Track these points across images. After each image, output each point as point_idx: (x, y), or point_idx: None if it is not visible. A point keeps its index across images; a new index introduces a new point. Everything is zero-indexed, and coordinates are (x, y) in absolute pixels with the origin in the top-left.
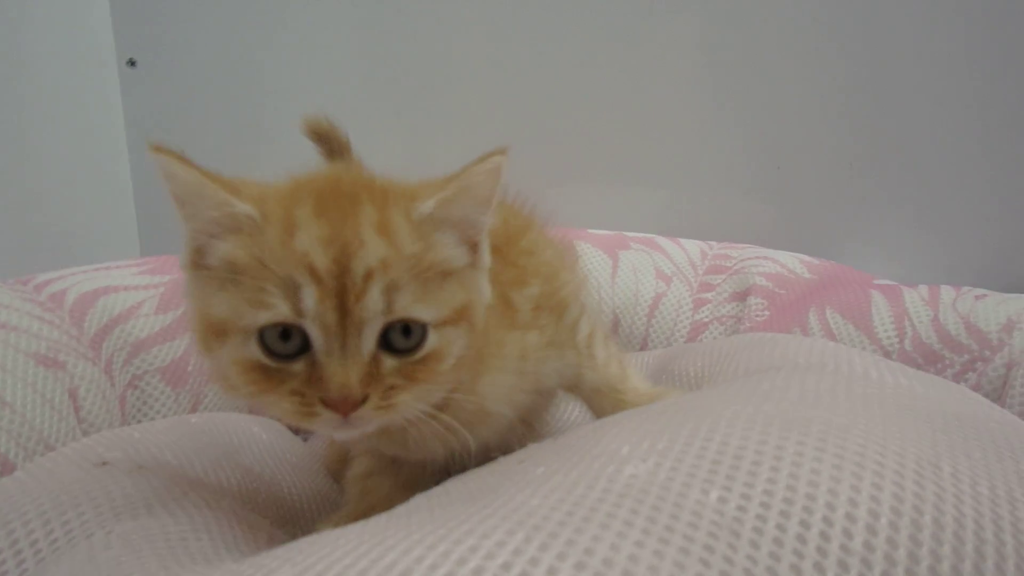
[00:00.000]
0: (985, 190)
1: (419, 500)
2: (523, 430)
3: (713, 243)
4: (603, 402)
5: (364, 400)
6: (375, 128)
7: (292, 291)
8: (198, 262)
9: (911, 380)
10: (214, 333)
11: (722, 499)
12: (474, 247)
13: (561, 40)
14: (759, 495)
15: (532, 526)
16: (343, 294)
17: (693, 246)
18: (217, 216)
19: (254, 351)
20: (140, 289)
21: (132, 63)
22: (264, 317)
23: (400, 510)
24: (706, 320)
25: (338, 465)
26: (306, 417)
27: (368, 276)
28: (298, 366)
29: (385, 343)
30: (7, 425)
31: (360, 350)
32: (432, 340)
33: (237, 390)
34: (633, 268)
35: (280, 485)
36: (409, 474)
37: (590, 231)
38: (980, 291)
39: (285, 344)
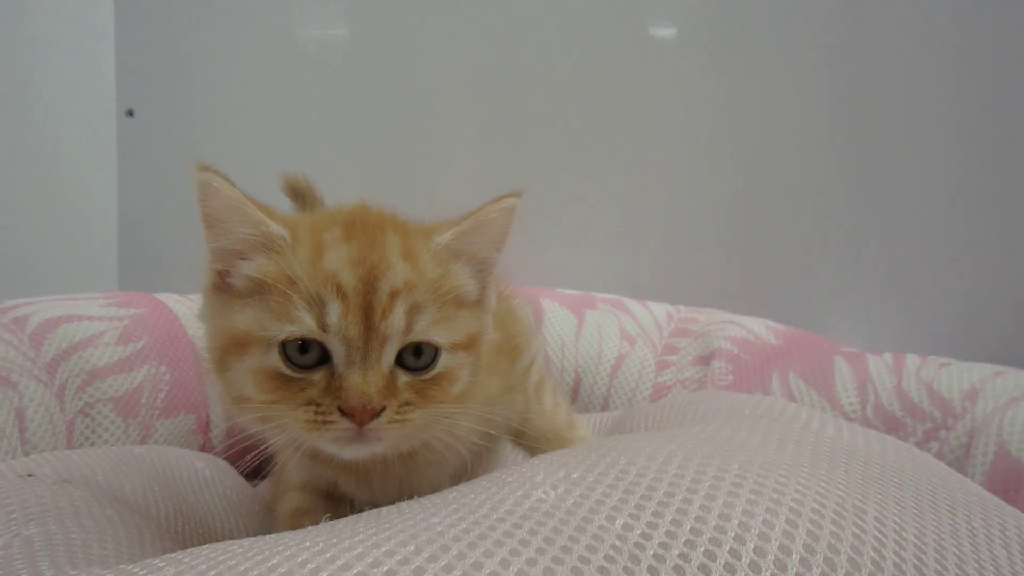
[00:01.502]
0: (951, 264)
1: (327, 523)
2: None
3: (680, 306)
4: (548, 449)
5: (380, 412)
6: (354, 182)
7: (318, 307)
8: (219, 285)
9: (854, 434)
10: (235, 347)
11: (627, 526)
12: (483, 287)
13: (533, 102)
14: (666, 524)
15: (426, 540)
16: (368, 310)
17: (660, 308)
18: (251, 234)
19: (275, 361)
20: (104, 320)
21: (131, 113)
22: (289, 330)
23: (303, 530)
24: (669, 383)
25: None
26: (319, 427)
27: (393, 295)
28: (317, 376)
29: (399, 361)
30: None
31: (380, 363)
32: (444, 361)
33: (250, 401)
34: (598, 327)
35: (213, 519)
36: (343, 514)
37: (558, 290)
38: (945, 359)
39: (303, 356)
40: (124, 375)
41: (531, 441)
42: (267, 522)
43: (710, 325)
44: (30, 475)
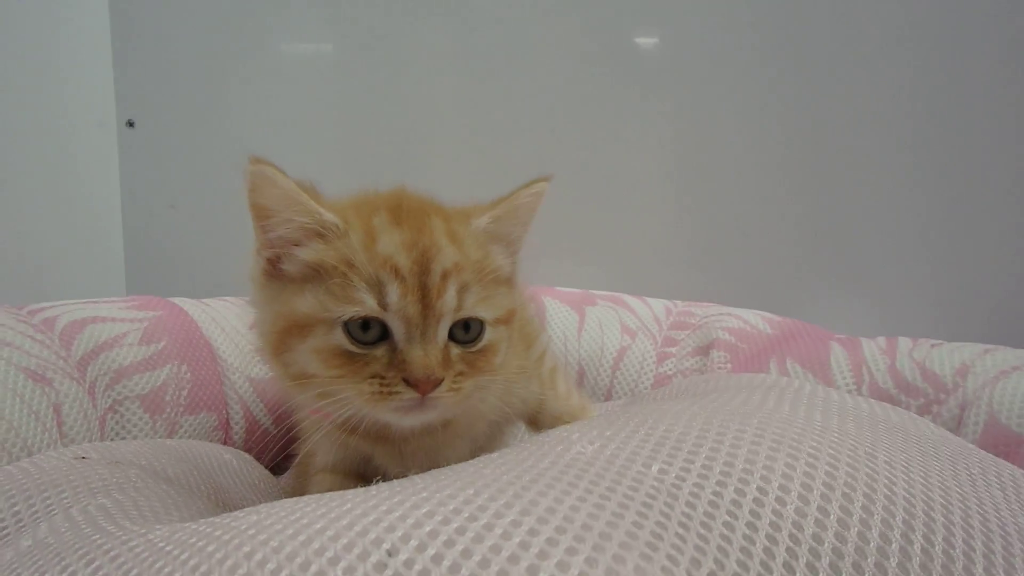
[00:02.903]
0: (934, 256)
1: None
2: None
3: (678, 301)
4: None
5: (440, 382)
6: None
7: (377, 288)
8: (270, 272)
9: (857, 400)
10: (296, 329)
11: (662, 471)
12: (513, 264)
13: (520, 113)
14: (698, 469)
15: (482, 484)
16: (424, 290)
17: (658, 304)
18: (306, 223)
19: (340, 339)
20: (125, 322)
21: (131, 124)
22: (352, 311)
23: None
24: (669, 373)
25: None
26: (384, 398)
27: (445, 276)
28: (380, 351)
29: (450, 335)
30: None
31: (437, 338)
32: (488, 334)
33: (315, 378)
34: (599, 323)
35: (246, 502)
36: None
37: (558, 288)
38: (936, 340)
39: (366, 333)
40: (148, 373)
41: (547, 423)
42: None
43: (707, 318)
44: (83, 458)
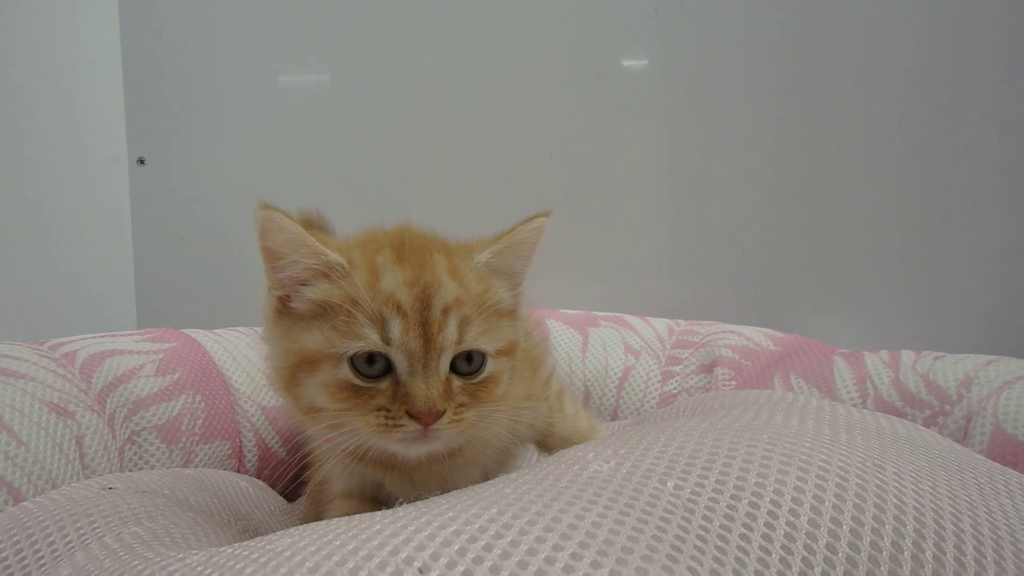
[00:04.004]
0: (933, 270)
1: (406, 505)
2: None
3: (680, 320)
4: None
5: (442, 414)
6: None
7: (381, 324)
8: (280, 310)
9: (863, 413)
10: (305, 364)
11: (678, 487)
12: (516, 297)
13: (514, 142)
14: (712, 484)
15: (506, 503)
16: (425, 325)
17: (660, 323)
18: (312, 264)
19: (346, 373)
20: (142, 354)
21: (142, 161)
22: (357, 346)
23: (388, 510)
24: (674, 391)
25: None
26: (389, 430)
27: (446, 311)
28: (384, 384)
29: (452, 367)
30: (21, 462)
31: (439, 371)
32: (490, 365)
33: (323, 411)
34: (602, 343)
35: (266, 528)
36: None
37: (561, 311)
38: (939, 352)
39: (370, 367)
40: (164, 404)
41: (556, 445)
42: None
43: (710, 336)
44: (110, 488)
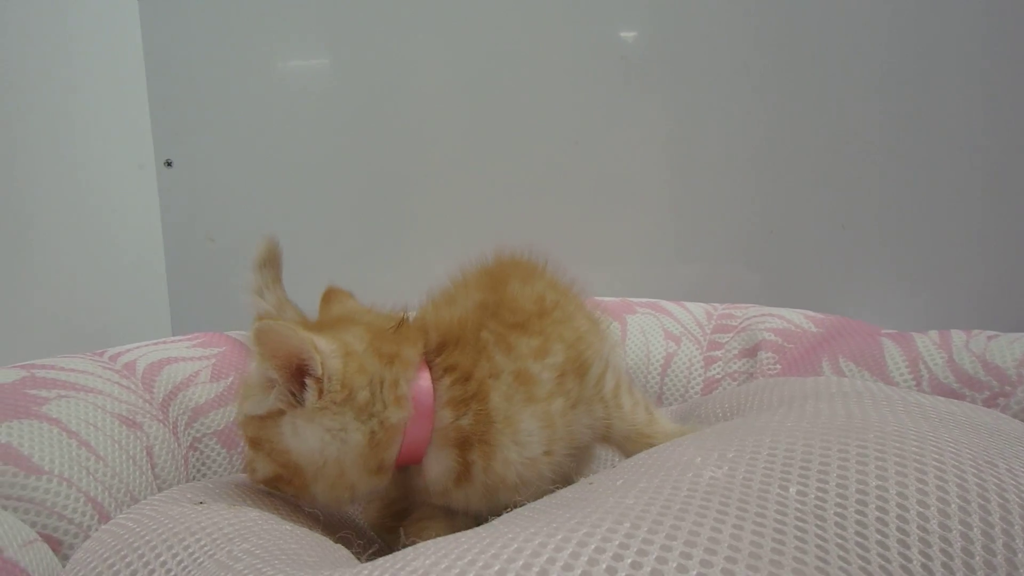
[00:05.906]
0: (973, 248)
1: (506, 517)
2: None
3: (716, 304)
4: (634, 448)
5: None
6: (352, 213)
7: None
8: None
9: (936, 400)
10: None
11: (801, 492)
12: None
13: (514, 128)
14: (834, 488)
15: (635, 517)
16: None
17: (698, 308)
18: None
19: None
20: (196, 360)
21: (169, 163)
22: None
23: (495, 523)
24: (718, 376)
25: (379, 520)
26: None
27: None
28: None
29: None
30: (102, 477)
31: None
32: None
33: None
34: (642, 330)
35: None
36: (462, 522)
37: (596, 298)
38: (991, 332)
39: None
40: (221, 409)
41: (617, 443)
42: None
43: (749, 319)
44: (201, 503)
